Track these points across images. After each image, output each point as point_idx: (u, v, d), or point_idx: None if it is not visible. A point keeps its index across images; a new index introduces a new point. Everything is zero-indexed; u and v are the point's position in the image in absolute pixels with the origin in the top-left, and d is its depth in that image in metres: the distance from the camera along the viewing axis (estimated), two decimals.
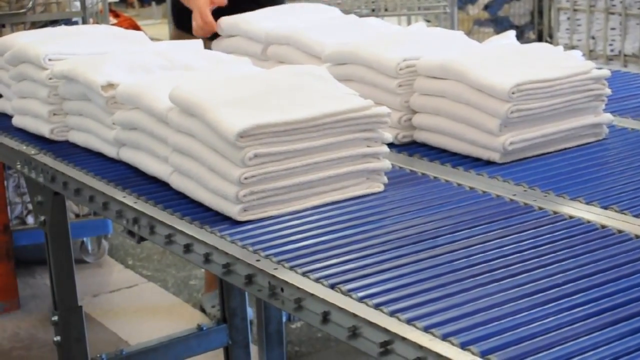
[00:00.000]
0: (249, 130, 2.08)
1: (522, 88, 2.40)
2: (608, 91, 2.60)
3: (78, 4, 4.98)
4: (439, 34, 2.99)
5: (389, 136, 2.30)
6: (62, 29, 3.45)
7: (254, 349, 3.76)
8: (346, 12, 6.39)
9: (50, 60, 2.92)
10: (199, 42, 3.02)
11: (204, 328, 3.59)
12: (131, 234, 2.36)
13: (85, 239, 5.30)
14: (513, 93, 2.39)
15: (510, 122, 2.41)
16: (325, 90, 2.33)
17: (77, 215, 5.07)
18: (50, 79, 2.88)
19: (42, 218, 3.00)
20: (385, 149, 2.29)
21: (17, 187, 5.03)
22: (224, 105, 2.19)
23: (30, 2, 4.78)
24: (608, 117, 2.62)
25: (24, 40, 3.17)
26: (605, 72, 2.59)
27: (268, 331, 3.62)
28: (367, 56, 2.69)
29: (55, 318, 3.14)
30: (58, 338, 3.15)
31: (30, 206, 4.91)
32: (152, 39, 9.19)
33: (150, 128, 2.44)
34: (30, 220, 5.05)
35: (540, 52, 2.69)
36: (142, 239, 2.33)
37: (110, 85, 2.63)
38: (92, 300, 4.85)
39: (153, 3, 15.85)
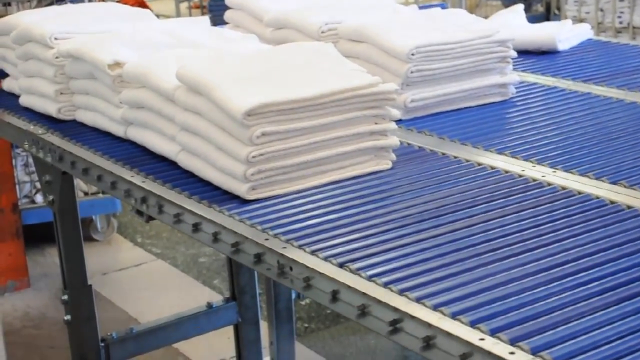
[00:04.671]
0: (256, 108, 2.07)
1: (421, 50, 2.62)
2: (513, 53, 2.79)
3: None
4: (366, 1, 3.24)
5: (396, 113, 2.29)
6: (68, 7, 3.43)
7: (263, 326, 3.76)
8: None
9: (56, 39, 2.91)
10: (206, 19, 3.01)
11: (214, 306, 3.60)
12: (140, 213, 2.35)
13: (94, 216, 5.31)
14: (413, 54, 2.60)
15: (411, 81, 2.62)
16: (333, 67, 2.32)
17: (86, 193, 5.08)
18: (56, 58, 2.87)
19: (51, 197, 3.00)
20: (393, 125, 2.28)
21: (26, 166, 5.04)
22: (231, 83, 2.18)
23: None
24: (514, 77, 2.81)
25: (29, 19, 3.16)
26: (510, 35, 2.77)
27: (277, 308, 3.62)
28: (295, 22, 2.98)
29: (65, 297, 3.15)
30: (68, 317, 3.16)
31: (38, 185, 4.92)
32: (158, 15, 9.21)
33: (157, 107, 2.43)
34: (39, 199, 5.06)
35: (452, 17, 2.90)
36: (150, 218, 2.32)
37: (117, 64, 2.62)
38: (102, 278, 4.86)
39: None
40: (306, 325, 4.28)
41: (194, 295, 4.61)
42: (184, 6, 9.57)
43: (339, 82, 2.20)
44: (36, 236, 5.11)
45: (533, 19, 9.91)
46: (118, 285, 4.81)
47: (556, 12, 9.67)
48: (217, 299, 4.20)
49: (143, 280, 4.90)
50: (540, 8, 10.25)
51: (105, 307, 4.44)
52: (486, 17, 9.40)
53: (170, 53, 2.60)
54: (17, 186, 4.88)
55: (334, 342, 4.16)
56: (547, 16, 10.08)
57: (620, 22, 7.71)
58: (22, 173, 5.04)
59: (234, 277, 3.60)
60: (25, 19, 3.15)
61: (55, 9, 3.42)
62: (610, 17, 7.73)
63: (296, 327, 3.80)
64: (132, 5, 10.78)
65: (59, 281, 3.72)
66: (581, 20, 7.85)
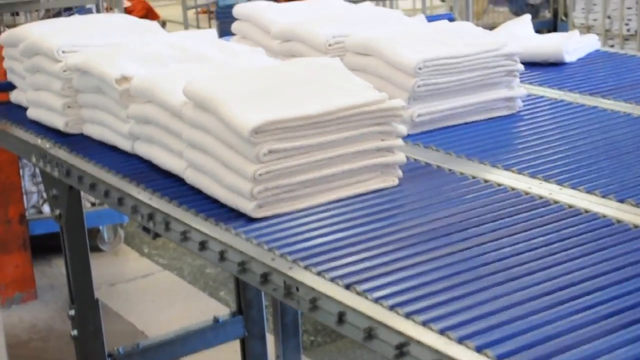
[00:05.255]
0: (263, 126, 2.07)
1: (428, 64, 2.61)
2: (520, 67, 2.78)
3: None
4: (374, 13, 3.26)
5: (403, 129, 2.28)
6: (75, 19, 3.44)
7: (270, 339, 3.76)
8: None
9: (64, 52, 2.91)
10: (213, 32, 3.02)
11: (220, 320, 3.59)
12: (146, 230, 2.35)
13: (101, 227, 5.31)
14: (420, 68, 2.59)
15: (418, 95, 2.61)
16: (340, 83, 2.31)
17: (93, 204, 5.08)
18: (64, 71, 2.87)
19: (58, 212, 3.00)
20: (400, 142, 2.27)
21: (33, 177, 5.04)
22: (237, 100, 2.18)
23: None
24: (521, 90, 2.80)
25: (37, 31, 3.16)
26: (517, 49, 2.77)
27: (284, 322, 3.62)
28: (303, 34, 2.97)
29: (72, 312, 3.15)
30: (75, 332, 3.16)
31: (46, 195, 4.92)
32: (166, 21, 9.16)
33: (164, 122, 2.43)
34: (46, 209, 5.06)
35: (460, 30, 2.88)
36: (157, 235, 2.32)
37: (125, 79, 2.62)
38: (109, 290, 4.86)
39: None
40: (312, 338, 4.27)
41: (201, 307, 4.61)
42: (191, 12, 9.58)
43: (346, 98, 2.20)
44: (43, 246, 5.11)
45: (540, 25, 9.96)
46: (125, 297, 4.80)
47: (563, 18, 9.66)
48: (223, 310, 4.21)
49: (150, 292, 4.89)
50: (547, 14, 10.24)
51: (112, 319, 4.44)
52: (493, 23, 9.42)
53: (177, 68, 2.61)
54: (24, 196, 4.88)
55: (341, 355, 4.15)
56: (554, 22, 10.07)
57: (628, 30, 7.69)
58: (30, 183, 5.05)
59: (241, 290, 3.60)
60: (33, 31, 3.16)
61: (63, 20, 3.42)
62: (617, 24, 7.71)
63: (302, 340, 3.79)
64: (140, 11, 10.82)
65: (66, 292, 3.72)
66: (588, 28, 7.83)
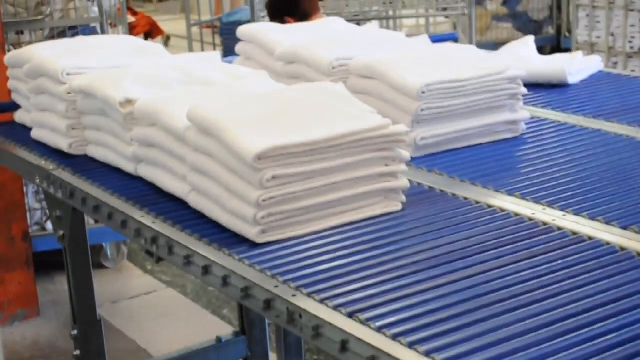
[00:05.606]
0: (267, 152, 2.07)
1: (432, 88, 2.62)
2: (523, 90, 2.79)
3: (96, 9, 4.99)
4: (377, 35, 3.27)
5: (407, 155, 2.29)
6: (80, 40, 3.44)
7: (273, 359, 3.76)
8: (365, 13, 6.41)
9: (68, 74, 2.92)
10: (217, 55, 3.03)
11: (223, 340, 3.59)
12: (149, 253, 2.36)
13: (104, 244, 5.31)
14: (423, 92, 2.60)
15: (422, 119, 2.62)
16: (343, 108, 2.32)
17: (97, 221, 5.08)
18: (68, 93, 2.88)
19: (61, 232, 3.01)
20: (403, 167, 2.28)
21: (37, 194, 5.05)
22: (241, 125, 2.19)
23: (49, 9, 4.79)
24: (524, 114, 2.81)
25: (42, 52, 3.17)
26: (520, 72, 2.77)
27: (287, 341, 3.61)
28: (306, 57, 2.97)
29: (75, 332, 3.15)
30: (77, 352, 3.16)
31: (49, 216, 4.92)
32: (170, 35, 9.15)
33: (168, 146, 2.44)
34: (49, 226, 5.06)
35: (463, 53, 2.89)
36: (160, 259, 2.33)
37: (128, 102, 2.63)
38: (112, 307, 4.86)
39: None
40: (316, 357, 4.27)
41: (204, 325, 4.61)
42: (195, 27, 9.60)
43: (350, 124, 2.21)
44: (46, 263, 5.11)
45: (544, 41, 9.99)
46: (128, 314, 4.80)
47: (567, 34, 9.69)
48: (226, 329, 4.21)
49: (153, 309, 4.89)
50: (551, 30, 10.27)
51: (114, 337, 4.44)
52: (496, 39, 9.39)
53: (181, 92, 2.62)
54: (28, 213, 4.88)
55: None
56: (557, 38, 10.10)
57: (631, 47, 7.70)
58: (34, 200, 5.05)
59: (244, 310, 3.60)
60: (38, 53, 3.17)
61: (67, 42, 3.43)
62: (621, 42, 7.73)
63: None
64: (145, 26, 10.84)
65: (68, 310, 3.72)
66: (592, 45, 7.84)
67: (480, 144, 2.74)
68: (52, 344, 4.53)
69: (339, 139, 2.16)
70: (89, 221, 4.83)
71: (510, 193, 2.34)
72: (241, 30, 3.38)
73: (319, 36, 3.24)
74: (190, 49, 8.82)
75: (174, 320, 4.73)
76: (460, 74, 2.69)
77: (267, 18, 4.71)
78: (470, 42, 5.89)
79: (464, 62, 2.80)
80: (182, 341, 3.70)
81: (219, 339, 3.60)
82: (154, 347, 4.38)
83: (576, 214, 2.17)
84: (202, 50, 9.22)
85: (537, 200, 2.27)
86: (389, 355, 1.59)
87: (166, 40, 12.17)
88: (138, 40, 3.40)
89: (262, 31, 3.32)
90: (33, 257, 4.81)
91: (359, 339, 1.66)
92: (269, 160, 2.08)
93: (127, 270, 5.39)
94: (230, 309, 4.79)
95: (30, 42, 4.90)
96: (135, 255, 5.56)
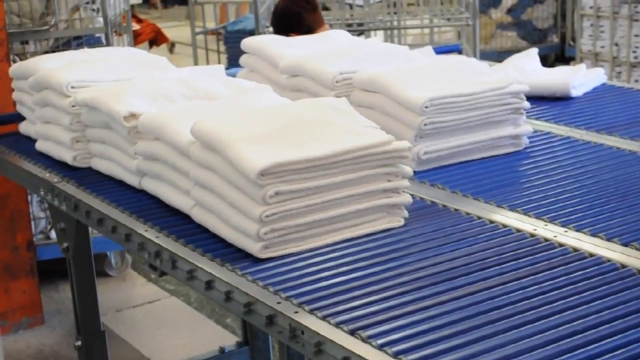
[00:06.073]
0: (270, 168, 2.09)
1: (435, 102, 2.63)
2: (526, 105, 2.80)
3: (101, 19, 5.00)
4: (381, 48, 3.27)
5: (409, 170, 2.30)
6: (85, 53, 3.46)
7: None
8: (369, 22, 6.42)
9: (72, 87, 2.94)
10: (221, 68, 3.04)
11: (226, 350, 3.60)
12: (153, 267, 2.37)
13: (108, 252, 5.32)
14: (426, 107, 2.61)
15: (425, 133, 2.64)
16: (346, 124, 2.33)
17: None
18: (72, 106, 2.90)
19: (65, 244, 3.02)
20: (406, 183, 2.29)
21: (41, 202, 5.06)
22: (245, 141, 2.20)
23: (54, 19, 4.80)
24: (527, 128, 2.82)
25: (47, 65, 3.19)
26: (523, 87, 2.78)
27: (290, 352, 3.62)
28: (310, 70, 2.99)
29: (79, 343, 3.16)
30: None
31: (53, 228, 4.93)
32: (174, 41, 9.16)
33: (172, 160, 2.45)
34: (54, 234, 5.07)
35: (466, 67, 2.90)
36: (163, 274, 2.34)
37: (133, 116, 2.64)
38: (116, 316, 4.87)
39: (176, 5, 15.91)
40: None
41: (207, 334, 4.61)
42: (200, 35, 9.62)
43: (353, 140, 2.22)
44: (50, 271, 5.13)
45: (548, 49, 10.00)
46: (131, 323, 4.81)
47: (571, 43, 9.69)
48: (229, 338, 4.22)
49: (156, 318, 4.90)
50: (555, 39, 10.27)
51: (118, 346, 4.45)
52: (501, 48, 9.37)
53: (185, 106, 2.63)
54: (32, 222, 4.90)
55: None
56: (562, 47, 10.11)
57: (635, 57, 7.70)
58: (38, 209, 5.07)
59: (247, 321, 3.60)
60: (43, 65, 3.19)
61: (72, 54, 3.44)
62: (625, 52, 7.73)
63: None
64: (150, 33, 10.83)
65: (72, 318, 3.73)
66: (596, 55, 7.85)
67: (483, 158, 2.75)
68: (56, 352, 4.54)
69: (341, 155, 2.17)
70: (93, 230, 4.85)
71: (512, 208, 2.35)
72: (245, 43, 3.40)
73: (322, 49, 3.25)
74: (195, 57, 8.85)
75: (177, 329, 4.74)
76: (463, 89, 2.70)
77: (272, 28, 4.72)
78: (474, 52, 5.90)
79: (468, 76, 2.81)
80: (185, 350, 3.72)
81: (222, 350, 3.62)
82: (157, 356, 4.38)
83: (577, 230, 2.18)
84: (207, 57, 9.25)
85: (538, 216, 2.28)
86: None
87: (171, 47, 12.21)
88: (142, 53, 3.41)
89: (266, 44, 3.34)
90: (37, 265, 4.82)
91: (360, 357, 1.67)
92: (272, 176, 2.09)
93: (131, 279, 5.40)
94: (234, 318, 4.80)
95: (35, 52, 4.92)
96: (139, 263, 5.58)
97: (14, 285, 4.70)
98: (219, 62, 9.24)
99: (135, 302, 5.10)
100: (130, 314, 4.95)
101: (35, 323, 4.80)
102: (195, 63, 8.76)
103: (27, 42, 4.92)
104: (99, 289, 3.20)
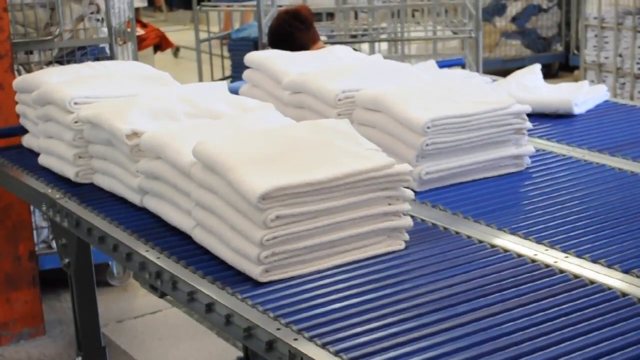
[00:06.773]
0: (271, 192, 2.09)
1: (437, 123, 2.63)
2: (528, 125, 2.80)
3: (105, 29, 5.00)
4: (382, 66, 3.27)
5: (410, 194, 2.30)
6: (89, 67, 3.46)
7: None
8: (373, 33, 6.42)
9: (76, 103, 2.94)
10: (224, 85, 3.04)
11: None
12: (153, 287, 2.37)
13: (110, 262, 5.32)
14: (428, 127, 2.62)
15: (426, 153, 2.64)
16: (348, 146, 2.33)
17: None
18: (75, 122, 2.90)
19: (67, 260, 3.02)
20: (407, 206, 2.29)
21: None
22: (246, 164, 2.20)
23: (58, 29, 4.81)
24: (529, 148, 2.82)
25: (50, 79, 3.20)
26: (525, 107, 2.78)
27: None
28: (313, 88, 3.00)
29: (79, 359, 3.16)
30: None
31: (55, 244, 4.93)
32: (179, 47, 9.10)
33: (173, 180, 2.45)
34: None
35: (469, 87, 2.91)
36: (163, 295, 2.34)
37: (135, 134, 2.65)
38: (117, 327, 4.86)
39: (181, 9, 15.92)
40: None
41: (208, 346, 4.61)
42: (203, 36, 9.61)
43: (354, 163, 2.22)
44: (52, 280, 5.12)
45: (552, 58, 10.01)
46: (132, 334, 4.81)
47: (575, 52, 9.69)
48: (231, 351, 4.21)
49: (157, 329, 4.89)
50: (559, 48, 10.28)
51: (119, 357, 4.44)
52: (504, 56, 9.33)
53: (187, 126, 2.63)
54: (34, 231, 4.90)
55: None
56: (566, 56, 10.11)
57: (639, 69, 7.70)
58: (40, 219, 5.07)
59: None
60: (46, 80, 3.20)
61: (76, 68, 3.45)
62: (629, 63, 7.72)
63: None
64: (154, 39, 10.81)
65: (74, 328, 3.74)
66: (600, 65, 7.84)
67: (485, 179, 2.75)
68: None
69: (343, 178, 2.17)
70: None
71: (513, 232, 2.35)
72: (249, 58, 3.41)
73: (325, 66, 3.25)
74: (199, 62, 8.84)
75: (178, 341, 4.73)
76: (465, 109, 2.71)
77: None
78: (477, 63, 5.89)
79: (470, 95, 2.81)
80: None
81: None
82: None
83: (578, 256, 2.18)
84: (211, 62, 9.25)
85: (539, 240, 2.28)
86: None
87: (175, 52, 12.21)
88: (146, 67, 3.42)
89: (270, 59, 3.34)
90: (39, 274, 4.82)
91: None
92: (273, 200, 2.10)
93: (132, 289, 5.39)
94: None
95: (39, 62, 4.93)
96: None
97: (16, 296, 4.69)
98: (223, 68, 9.25)
99: (136, 313, 5.09)
100: (132, 325, 4.94)
101: (36, 333, 4.80)
102: (199, 68, 8.76)
103: (31, 52, 4.92)
104: (100, 299, 3.19)
